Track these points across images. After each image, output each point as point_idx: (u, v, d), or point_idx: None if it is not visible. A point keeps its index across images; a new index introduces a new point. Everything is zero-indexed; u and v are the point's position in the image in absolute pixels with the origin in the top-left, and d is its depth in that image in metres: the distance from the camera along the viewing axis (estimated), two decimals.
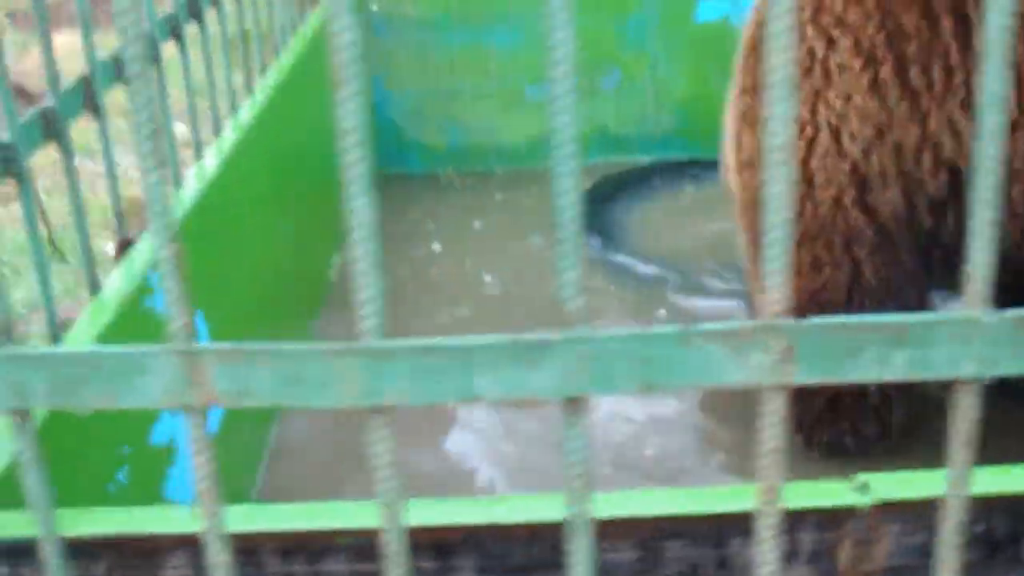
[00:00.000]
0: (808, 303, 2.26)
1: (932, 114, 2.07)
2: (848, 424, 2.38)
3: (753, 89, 2.37)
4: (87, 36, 1.87)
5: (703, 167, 3.72)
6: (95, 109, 1.89)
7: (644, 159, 4.01)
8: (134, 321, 2.06)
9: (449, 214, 3.78)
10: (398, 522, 1.00)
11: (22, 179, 1.65)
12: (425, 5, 4.00)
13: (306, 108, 3.41)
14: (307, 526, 1.24)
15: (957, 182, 2.10)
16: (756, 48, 2.33)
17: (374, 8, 4.14)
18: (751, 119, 2.38)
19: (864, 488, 1.22)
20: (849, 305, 2.25)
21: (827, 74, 2.12)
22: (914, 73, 2.12)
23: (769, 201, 0.94)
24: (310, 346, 0.99)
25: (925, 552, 1.25)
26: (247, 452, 2.32)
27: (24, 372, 1.02)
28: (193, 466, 1.05)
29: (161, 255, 0.96)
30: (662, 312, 3.21)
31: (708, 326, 0.98)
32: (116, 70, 1.94)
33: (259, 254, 2.78)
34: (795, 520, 1.22)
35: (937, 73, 2.05)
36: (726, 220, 3.67)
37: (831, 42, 2.11)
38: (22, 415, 1.04)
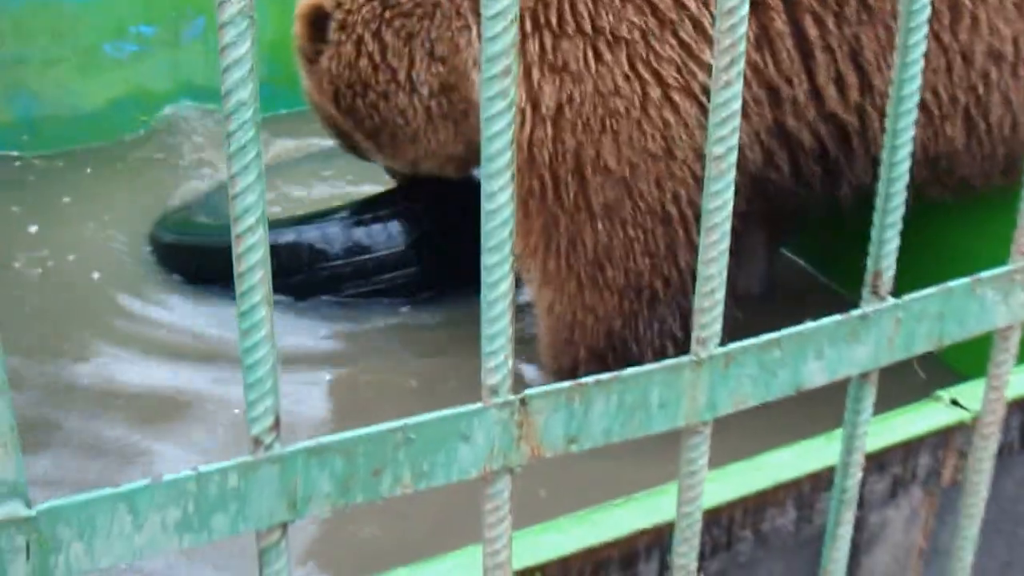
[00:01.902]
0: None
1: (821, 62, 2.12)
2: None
3: (559, 28, 2.11)
4: None
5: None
6: None
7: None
8: None
9: (41, 203, 3.28)
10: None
11: None
12: None
13: None
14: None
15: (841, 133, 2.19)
16: None
17: None
18: (557, 64, 2.12)
19: (958, 406, 1.29)
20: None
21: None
22: (808, 23, 2.06)
23: None
24: (650, 367, 0.87)
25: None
26: None
27: (304, 472, 0.80)
28: (490, 537, 0.88)
29: None
30: None
31: (988, 273, 0.99)
32: None
33: None
34: (909, 449, 1.26)
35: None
36: None
37: None
38: (282, 531, 0.82)
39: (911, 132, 0.89)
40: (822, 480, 1.17)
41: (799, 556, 1.19)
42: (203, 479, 0.77)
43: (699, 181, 2.13)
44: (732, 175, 0.83)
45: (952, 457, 1.28)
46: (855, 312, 0.93)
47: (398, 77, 2.44)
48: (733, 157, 0.82)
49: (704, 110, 2.08)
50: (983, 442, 1.07)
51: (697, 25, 2.06)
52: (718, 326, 0.87)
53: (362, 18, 2.43)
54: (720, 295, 0.86)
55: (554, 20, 2.13)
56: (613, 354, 2.31)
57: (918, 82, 0.87)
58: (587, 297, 2.28)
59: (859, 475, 1.00)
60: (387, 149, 2.64)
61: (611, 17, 2.08)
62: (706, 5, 2.06)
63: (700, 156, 2.12)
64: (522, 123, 2.17)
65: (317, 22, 2.49)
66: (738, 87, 0.80)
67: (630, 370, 0.86)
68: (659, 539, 1.09)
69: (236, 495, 0.79)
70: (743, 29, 0.78)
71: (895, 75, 0.87)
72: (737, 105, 0.80)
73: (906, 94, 0.87)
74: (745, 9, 0.78)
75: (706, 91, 2.07)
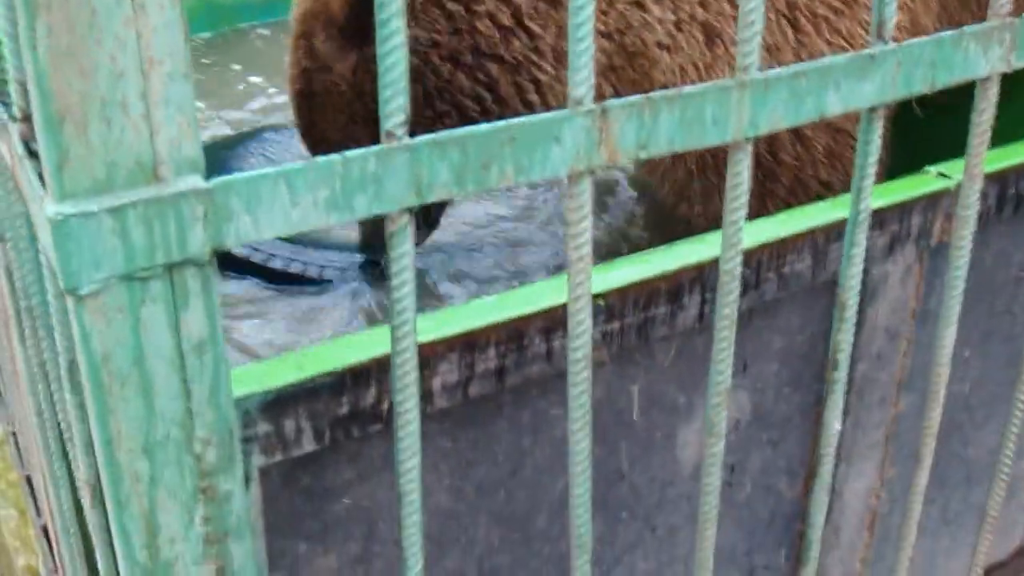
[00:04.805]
0: None
1: None
2: None
3: None
4: None
5: None
6: None
7: (248, 26, 3.91)
8: None
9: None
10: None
11: None
12: None
13: None
14: None
15: None
16: None
17: None
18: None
19: (944, 176, 1.49)
20: None
21: None
22: None
23: None
24: (704, 86, 1.05)
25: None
26: None
27: (428, 161, 0.98)
28: (572, 233, 1.06)
29: None
30: None
31: (971, 28, 1.18)
32: None
33: None
34: (904, 209, 1.46)
35: None
36: None
37: None
38: (408, 215, 1.00)
39: None
40: (832, 232, 1.37)
41: (814, 300, 1.39)
42: (348, 162, 0.95)
43: None
44: None
45: (939, 219, 1.48)
46: (865, 51, 1.11)
47: (540, 46, 2.11)
48: None
49: None
50: (970, 183, 1.26)
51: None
52: (756, 55, 1.06)
53: None
54: (759, 27, 1.05)
55: None
56: None
57: None
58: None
59: (869, 200, 1.19)
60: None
61: None
62: None
63: None
64: None
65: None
66: None
67: (689, 88, 1.04)
68: (700, 276, 1.29)
69: (374, 179, 0.96)
70: None
71: None
72: None
73: None
74: None
75: None
